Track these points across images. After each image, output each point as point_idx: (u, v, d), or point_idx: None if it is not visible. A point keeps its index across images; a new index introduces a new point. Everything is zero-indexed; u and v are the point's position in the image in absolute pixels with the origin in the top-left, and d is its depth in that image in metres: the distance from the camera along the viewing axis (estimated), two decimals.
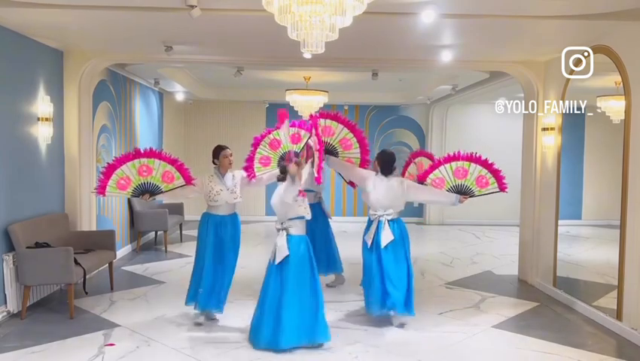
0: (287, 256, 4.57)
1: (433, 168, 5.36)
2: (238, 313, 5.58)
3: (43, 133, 6.07)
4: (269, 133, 5.39)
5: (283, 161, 5.27)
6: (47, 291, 5.92)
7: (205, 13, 4.70)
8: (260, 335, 4.60)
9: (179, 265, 7.97)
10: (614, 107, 5.60)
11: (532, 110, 7.03)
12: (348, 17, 3.44)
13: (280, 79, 9.72)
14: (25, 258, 5.25)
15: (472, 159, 5.26)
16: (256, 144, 5.36)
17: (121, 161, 4.95)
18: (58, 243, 5.83)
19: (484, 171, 5.23)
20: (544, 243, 6.76)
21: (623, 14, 4.72)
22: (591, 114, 6.55)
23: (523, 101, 7.39)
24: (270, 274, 4.66)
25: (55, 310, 5.62)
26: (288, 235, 4.64)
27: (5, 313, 5.24)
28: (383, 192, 5.23)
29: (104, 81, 7.74)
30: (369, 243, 5.26)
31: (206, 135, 12.51)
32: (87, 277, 5.70)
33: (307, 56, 6.27)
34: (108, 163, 5.04)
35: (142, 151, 5.04)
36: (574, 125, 6.79)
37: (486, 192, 5.26)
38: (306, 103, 9.67)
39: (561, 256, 6.42)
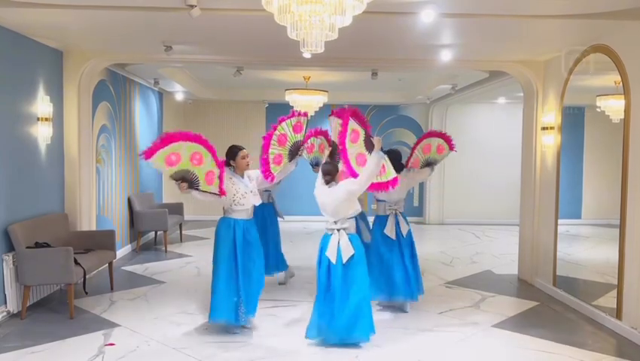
0: (352, 255, 4.62)
1: (411, 153, 6.07)
2: None
3: (42, 133, 6.07)
4: (275, 130, 5.18)
5: (297, 153, 5.15)
6: (46, 291, 5.92)
7: (204, 12, 4.70)
8: (352, 334, 4.63)
9: (179, 265, 7.97)
10: (613, 107, 5.60)
11: (532, 109, 7.04)
12: (347, 17, 3.45)
13: (280, 79, 9.72)
14: (25, 258, 5.25)
15: (430, 134, 6.13)
16: (267, 145, 5.09)
17: (184, 136, 4.61)
18: (58, 243, 5.83)
19: (440, 141, 5.99)
20: (543, 242, 6.77)
21: (622, 14, 4.72)
22: (591, 114, 6.55)
23: (523, 101, 7.41)
24: (335, 274, 4.64)
25: (55, 310, 5.62)
26: (348, 234, 4.68)
27: (5, 313, 5.24)
28: (400, 188, 5.49)
29: (103, 81, 7.74)
30: (393, 236, 5.64)
31: (206, 135, 12.36)
32: (87, 277, 5.70)
33: (307, 55, 6.28)
34: (167, 133, 4.65)
35: (203, 139, 4.76)
36: (573, 124, 6.80)
37: (444, 157, 6.06)
38: (306, 103, 9.67)
39: (561, 255, 6.43)
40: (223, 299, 4.87)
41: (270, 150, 5.10)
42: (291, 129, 5.19)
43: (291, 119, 5.23)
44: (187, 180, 4.66)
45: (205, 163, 4.70)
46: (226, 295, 4.86)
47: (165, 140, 4.55)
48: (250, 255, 4.97)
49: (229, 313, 4.86)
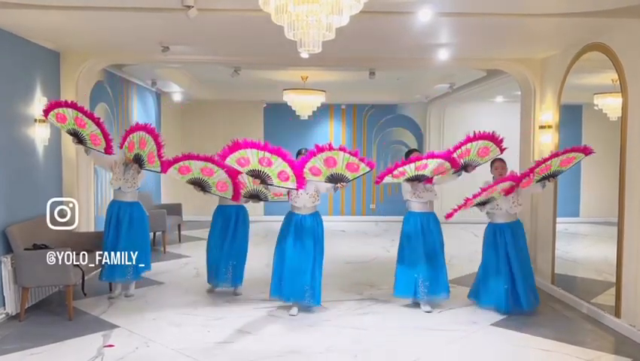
0: None
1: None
2: (239, 314, 5.59)
3: (40, 135, 6.06)
4: (331, 150, 5.11)
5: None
6: (45, 293, 5.89)
7: (201, 13, 4.70)
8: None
9: (178, 265, 7.96)
10: (611, 105, 5.61)
11: (530, 108, 7.04)
12: (344, 16, 3.45)
13: (277, 78, 9.72)
14: (23, 260, 5.24)
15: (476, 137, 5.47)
16: (312, 154, 5.17)
17: (250, 145, 5.03)
18: (56, 244, 5.81)
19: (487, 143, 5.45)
20: (542, 241, 6.77)
21: (619, 12, 4.73)
22: (588, 112, 6.56)
23: (520, 99, 7.41)
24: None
25: (54, 311, 5.61)
26: None
27: (4, 315, 5.23)
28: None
29: (101, 82, 7.73)
30: None
31: (204, 136, 12.50)
32: (86, 278, 5.69)
33: (304, 55, 6.27)
34: (235, 141, 5.09)
35: (270, 147, 5.11)
36: (571, 122, 6.81)
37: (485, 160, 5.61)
38: (304, 102, 9.68)
39: (559, 253, 6.44)
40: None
41: (313, 160, 5.18)
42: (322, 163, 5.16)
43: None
44: (260, 178, 5.26)
45: (275, 165, 5.13)
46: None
47: (234, 146, 5.05)
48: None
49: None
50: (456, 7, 4.89)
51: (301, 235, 5.52)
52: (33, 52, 6.05)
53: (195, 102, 12.37)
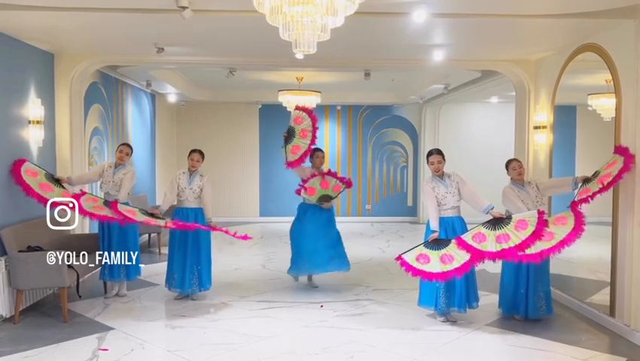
0: None
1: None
2: (234, 315, 5.58)
3: (34, 136, 6.04)
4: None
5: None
6: (40, 295, 5.88)
7: (196, 14, 4.69)
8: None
9: None
10: (604, 105, 5.63)
11: (524, 108, 7.07)
12: (339, 17, 3.46)
13: (272, 79, 9.72)
14: (17, 262, 5.22)
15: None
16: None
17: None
18: (51, 247, 5.78)
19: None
20: None
21: (612, 12, 4.76)
22: (582, 112, 6.59)
23: (515, 100, 7.44)
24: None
25: (48, 314, 5.59)
26: None
27: None
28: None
29: (95, 83, 7.71)
30: None
31: (199, 137, 12.49)
32: (80, 280, 5.67)
33: (299, 56, 6.28)
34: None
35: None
36: (565, 123, 6.83)
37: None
38: (299, 103, 9.66)
39: None
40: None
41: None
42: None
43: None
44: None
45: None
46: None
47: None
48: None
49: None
50: (451, 8, 4.91)
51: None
52: (27, 53, 6.03)
53: (190, 103, 12.36)
